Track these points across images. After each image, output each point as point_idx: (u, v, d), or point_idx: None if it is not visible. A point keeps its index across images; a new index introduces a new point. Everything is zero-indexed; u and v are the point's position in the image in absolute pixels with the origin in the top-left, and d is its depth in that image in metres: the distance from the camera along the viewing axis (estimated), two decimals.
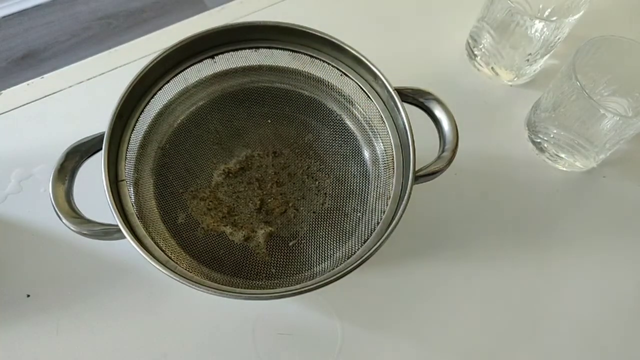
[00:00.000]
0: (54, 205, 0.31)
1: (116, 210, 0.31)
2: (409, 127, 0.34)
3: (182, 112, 0.40)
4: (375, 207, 0.37)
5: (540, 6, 0.47)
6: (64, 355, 0.36)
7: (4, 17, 1.24)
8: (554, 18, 0.46)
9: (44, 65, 1.19)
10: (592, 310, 0.40)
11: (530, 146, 0.46)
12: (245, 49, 0.38)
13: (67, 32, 1.24)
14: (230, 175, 0.39)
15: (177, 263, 0.32)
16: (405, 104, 0.35)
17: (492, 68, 0.48)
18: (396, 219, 0.31)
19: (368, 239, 0.34)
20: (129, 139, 0.35)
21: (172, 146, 0.39)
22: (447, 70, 0.50)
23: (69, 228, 0.31)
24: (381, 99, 0.37)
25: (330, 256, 0.36)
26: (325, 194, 0.39)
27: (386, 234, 0.31)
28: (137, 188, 0.35)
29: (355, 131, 0.41)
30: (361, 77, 0.38)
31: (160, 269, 0.29)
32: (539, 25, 0.41)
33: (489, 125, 0.47)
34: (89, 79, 0.46)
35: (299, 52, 0.38)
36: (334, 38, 0.36)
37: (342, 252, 0.36)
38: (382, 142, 0.38)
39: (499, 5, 0.43)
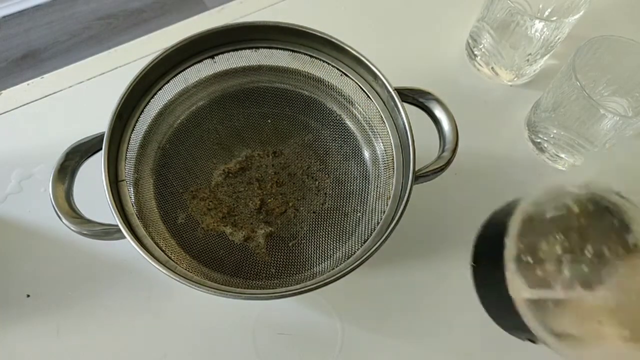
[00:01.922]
0: (54, 205, 0.31)
1: (116, 210, 0.31)
2: (409, 127, 0.34)
3: (182, 112, 0.40)
4: (375, 207, 0.37)
5: (540, 6, 0.47)
6: (64, 356, 0.36)
7: (4, 17, 1.24)
8: (554, 18, 0.46)
9: (44, 65, 1.19)
10: None
11: (530, 146, 0.46)
12: (245, 49, 0.38)
13: (67, 32, 1.24)
14: (230, 175, 0.40)
15: (177, 263, 0.32)
16: (405, 104, 0.35)
17: (492, 68, 0.48)
18: (396, 219, 0.31)
19: (368, 239, 0.34)
20: (129, 139, 0.35)
21: (172, 146, 0.39)
22: (447, 70, 0.50)
23: (69, 228, 0.31)
24: (381, 99, 0.37)
25: (330, 256, 0.36)
26: (325, 194, 0.39)
27: (386, 234, 0.31)
28: (137, 188, 0.35)
29: (355, 131, 0.41)
30: (361, 77, 0.38)
31: (160, 269, 0.29)
32: (539, 25, 0.41)
33: (489, 125, 0.47)
34: (89, 79, 0.46)
35: (299, 52, 0.38)
36: (334, 38, 0.36)
37: (342, 252, 0.36)
38: (382, 142, 0.38)
39: (499, 5, 0.43)
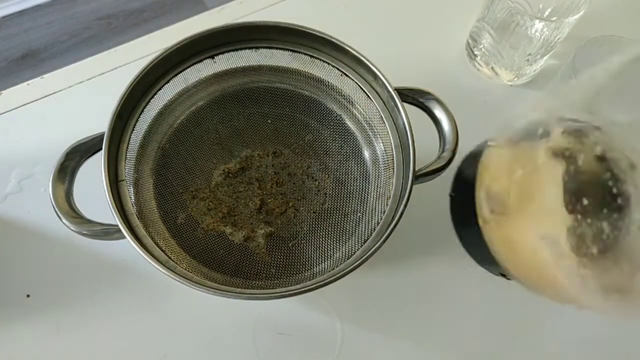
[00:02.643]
0: (54, 205, 0.31)
1: (116, 210, 0.31)
2: (409, 127, 0.34)
3: (182, 112, 0.40)
4: (375, 207, 0.37)
5: (540, 6, 0.47)
6: (64, 355, 0.36)
7: (4, 17, 1.24)
8: (554, 18, 0.46)
9: (44, 65, 1.19)
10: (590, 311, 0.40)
11: None
12: (245, 49, 0.38)
13: (67, 32, 1.24)
14: (230, 175, 0.40)
15: (177, 263, 0.32)
16: (405, 104, 0.35)
17: (492, 68, 0.48)
18: (396, 219, 0.31)
19: (368, 239, 0.34)
20: (129, 139, 0.35)
21: (172, 146, 0.39)
22: (447, 70, 0.50)
23: (69, 228, 0.31)
24: (381, 99, 0.37)
25: (330, 256, 0.36)
26: (325, 194, 0.39)
27: (386, 234, 0.31)
28: (137, 188, 0.35)
29: (355, 131, 0.41)
30: (361, 77, 0.38)
31: (160, 269, 0.29)
32: (539, 25, 0.41)
33: (489, 125, 0.47)
34: (89, 79, 0.46)
35: (299, 52, 0.38)
36: (334, 38, 0.36)
37: (342, 252, 0.36)
38: (382, 142, 0.38)
39: (499, 5, 0.43)
